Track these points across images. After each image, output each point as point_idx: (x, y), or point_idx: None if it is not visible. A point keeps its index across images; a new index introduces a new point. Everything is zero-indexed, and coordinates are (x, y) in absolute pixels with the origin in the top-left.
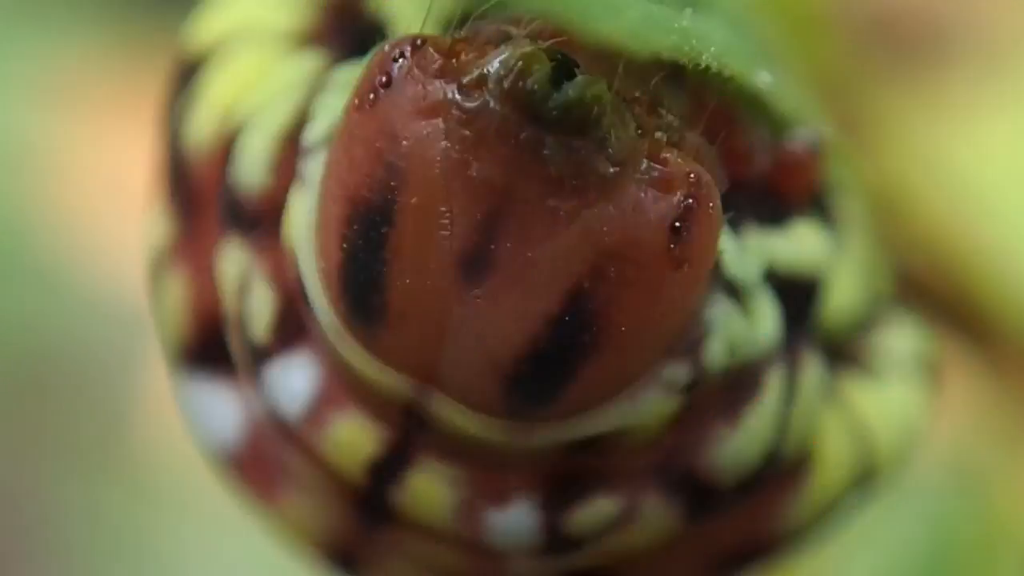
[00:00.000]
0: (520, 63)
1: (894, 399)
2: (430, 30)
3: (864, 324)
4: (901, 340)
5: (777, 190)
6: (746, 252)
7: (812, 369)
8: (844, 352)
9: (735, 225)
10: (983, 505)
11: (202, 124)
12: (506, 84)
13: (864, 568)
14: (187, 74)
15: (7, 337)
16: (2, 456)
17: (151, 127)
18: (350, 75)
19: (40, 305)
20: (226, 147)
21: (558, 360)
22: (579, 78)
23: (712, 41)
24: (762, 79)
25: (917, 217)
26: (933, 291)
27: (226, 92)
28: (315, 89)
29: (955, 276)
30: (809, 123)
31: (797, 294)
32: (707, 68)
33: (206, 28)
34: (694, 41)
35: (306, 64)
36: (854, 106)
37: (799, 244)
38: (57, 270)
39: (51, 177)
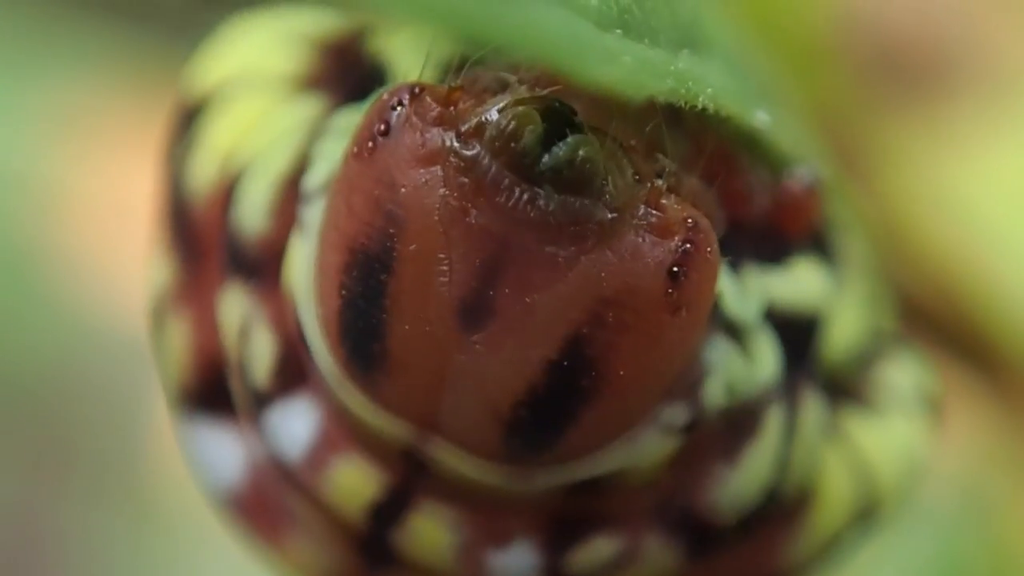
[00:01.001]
0: (512, 123)
1: (896, 434)
2: (429, 74)
3: (865, 359)
4: (903, 375)
5: (777, 229)
6: (746, 292)
7: (812, 407)
8: (846, 387)
9: (735, 265)
10: (991, 532)
11: (203, 169)
12: (498, 144)
13: None
14: (188, 118)
15: (16, 363)
16: (9, 480)
17: (160, 157)
18: (349, 120)
19: (49, 332)
20: (227, 192)
21: (557, 406)
22: (570, 139)
23: (708, 82)
24: (760, 118)
25: (923, 247)
26: (939, 320)
27: (226, 137)
28: (315, 134)
29: (961, 305)
30: (807, 161)
31: (797, 332)
32: (704, 109)
33: (206, 72)
34: (690, 83)
35: (306, 109)
36: (858, 136)
37: (799, 282)
38: (66, 298)
39: (60, 206)
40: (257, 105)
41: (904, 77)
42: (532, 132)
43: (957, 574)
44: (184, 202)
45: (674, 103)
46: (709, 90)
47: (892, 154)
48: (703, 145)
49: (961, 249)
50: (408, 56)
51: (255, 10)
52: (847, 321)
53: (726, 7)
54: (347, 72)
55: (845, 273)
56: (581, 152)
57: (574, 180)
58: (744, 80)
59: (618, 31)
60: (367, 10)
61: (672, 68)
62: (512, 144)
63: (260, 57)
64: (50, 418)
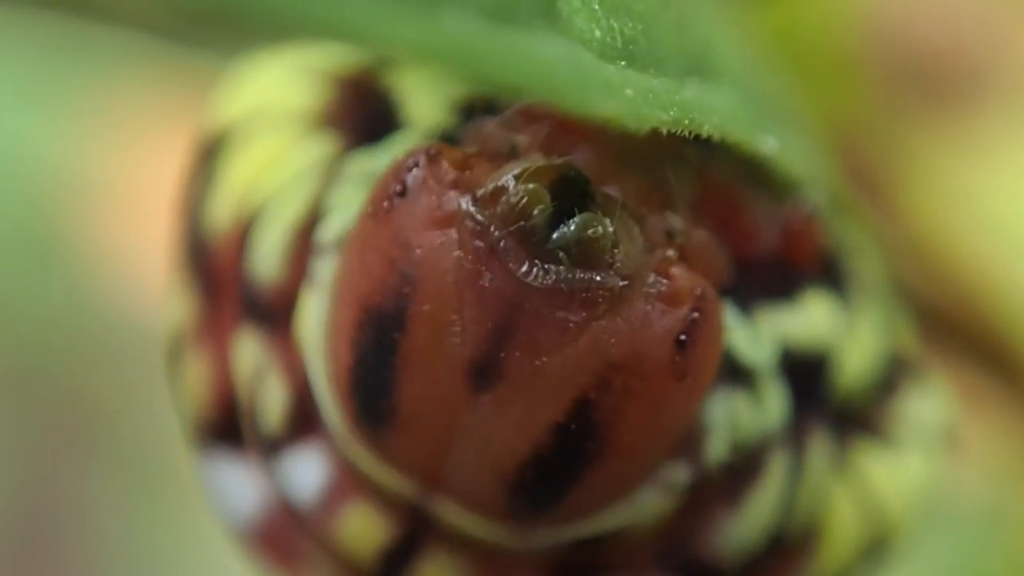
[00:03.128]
0: (523, 201)
1: (910, 470)
2: (440, 118)
3: (881, 388)
4: (923, 407)
5: (785, 260)
6: (759, 336)
7: (820, 448)
8: (860, 419)
9: (745, 308)
10: (1010, 544)
11: (221, 207)
12: (508, 219)
13: None
14: (207, 154)
15: (40, 345)
16: (31, 458)
17: (186, 150)
18: (360, 167)
19: (72, 316)
20: (243, 232)
21: (562, 467)
22: (579, 218)
23: (715, 111)
24: (767, 145)
25: (949, 258)
26: (962, 330)
27: (243, 175)
28: (328, 179)
29: (987, 316)
30: (813, 185)
31: (807, 371)
32: (709, 138)
33: (226, 106)
34: (694, 113)
35: (320, 148)
36: (884, 149)
37: (810, 319)
38: (90, 283)
39: (88, 196)
40: (274, 142)
41: (931, 89)
42: (542, 212)
43: None
44: (202, 240)
45: (678, 137)
46: (715, 119)
47: (919, 166)
48: (708, 183)
49: (986, 259)
50: (419, 93)
51: (265, 44)
52: (861, 349)
53: (745, 24)
54: (360, 107)
55: (858, 300)
56: (589, 231)
57: (583, 255)
58: (754, 104)
59: (622, 63)
60: (375, 47)
61: (676, 98)
62: (521, 222)
63: (277, 92)
64: (71, 398)
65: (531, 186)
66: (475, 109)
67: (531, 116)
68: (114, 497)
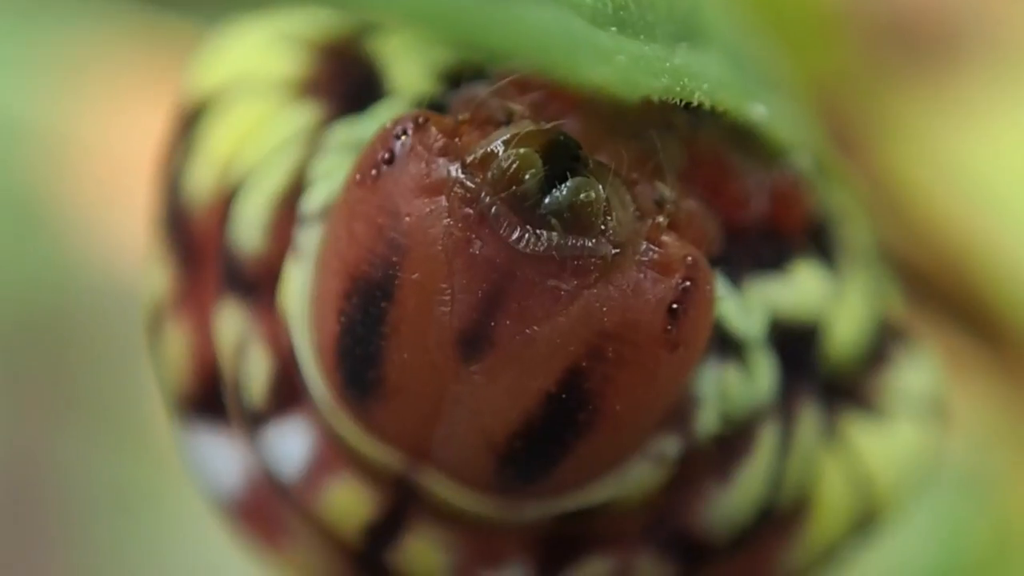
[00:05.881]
0: (514, 165)
1: (899, 441)
2: (427, 81)
3: (871, 358)
4: (913, 378)
5: (774, 228)
6: (749, 307)
7: (809, 419)
8: (850, 390)
9: (736, 279)
10: (994, 506)
11: (202, 176)
12: (500, 185)
13: (877, 571)
14: (187, 122)
15: (19, 307)
16: (12, 420)
17: (168, 109)
18: (345, 136)
19: (51, 278)
20: (225, 202)
21: (552, 438)
22: (571, 182)
23: (705, 77)
24: (756, 111)
25: (929, 218)
26: (944, 293)
27: (225, 144)
28: (312, 149)
29: (966, 277)
30: (801, 150)
31: (797, 342)
32: (700, 105)
33: (205, 75)
34: (685, 80)
35: (303, 117)
36: (865, 108)
37: (800, 289)
38: (69, 244)
39: (66, 155)
40: (256, 111)
41: (911, 48)
42: (533, 176)
43: (959, 549)
44: (182, 209)
45: (668, 105)
46: (705, 85)
47: (899, 125)
48: (697, 152)
49: (967, 220)
50: (404, 60)
51: (251, 10)
52: (850, 319)
53: None
54: (344, 75)
55: (847, 268)
56: (582, 195)
57: (575, 221)
58: (742, 69)
59: (613, 28)
60: (360, 12)
61: (667, 65)
62: (513, 187)
63: (259, 60)
64: (52, 361)
65: (522, 150)
66: (462, 77)
67: (522, 85)
68: (96, 455)
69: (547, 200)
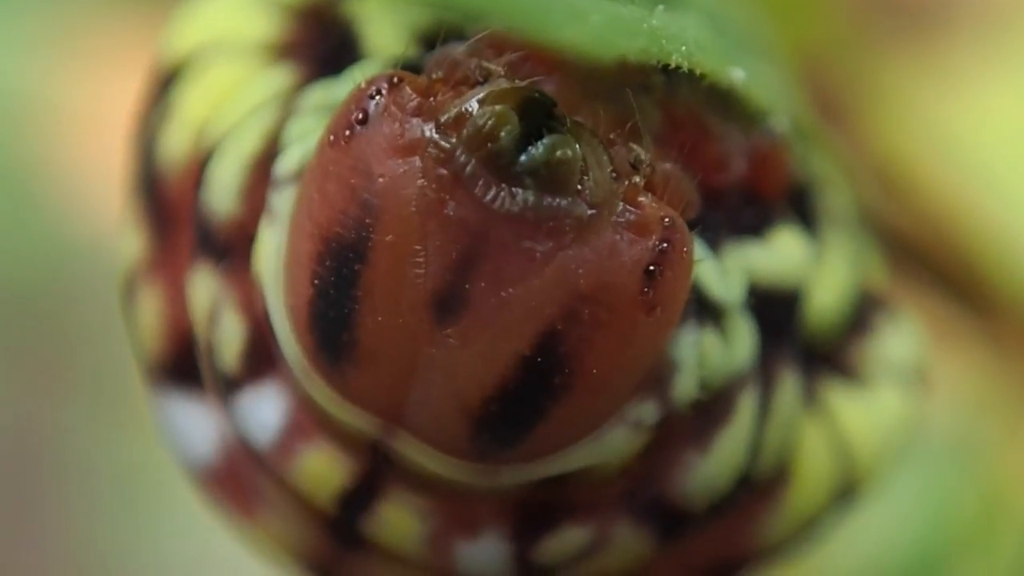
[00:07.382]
0: (489, 122)
1: (880, 409)
2: (403, 43)
3: (852, 325)
4: (895, 345)
5: (754, 191)
6: (727, 272)
7: (789, 386)
8: (832, 357)
9: (714, 244)
10: (983, 478)
11: (176, 140)
12: (475, 142)
13: (864, 541)
14: (162, 85)
15: (14, 278)
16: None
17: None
18: (321, 98)
19: (46, 248)
20: (199, 166)
21: (528, 402)
22: (547, 139)
23: (683, 39)
24: (735, 75)
25: (919, 188)
26: (932, 260)
27: (200, 108)
28: (286, 112)
29: (955, 245)
30: (780, 114)
31: (777, 308)
32: (678, 67)
33: (181, 38)
34: (663, 41)
35: (278, 80)
36: (854, 75)
37: (779, 255)
38: (63, 214)
39: (55, 123)
40: (231, 74)
41: (899, 15)
42: (509, 133)
43: (947, 519)
44: (156, 173)
45: (645, 66)
46: (683, 47)
47: (886, 92)
48: (674, 114)
49: (956, 188)
50: (380, 22)
51: None
52: (830, 285)
53: None
54: (320, 38)
55: (828, 234)
56: (558, 153)
57: (551, 179)
58: (722, 32)
59: None
60: None
61: (644, 26)
62: (488, 144)
63: (234, 22)
64: (48, 332)
65: (497, 107)
66: (438, 39)
67: (498, 46)
68: (93, 425)
69: (523, 158)
